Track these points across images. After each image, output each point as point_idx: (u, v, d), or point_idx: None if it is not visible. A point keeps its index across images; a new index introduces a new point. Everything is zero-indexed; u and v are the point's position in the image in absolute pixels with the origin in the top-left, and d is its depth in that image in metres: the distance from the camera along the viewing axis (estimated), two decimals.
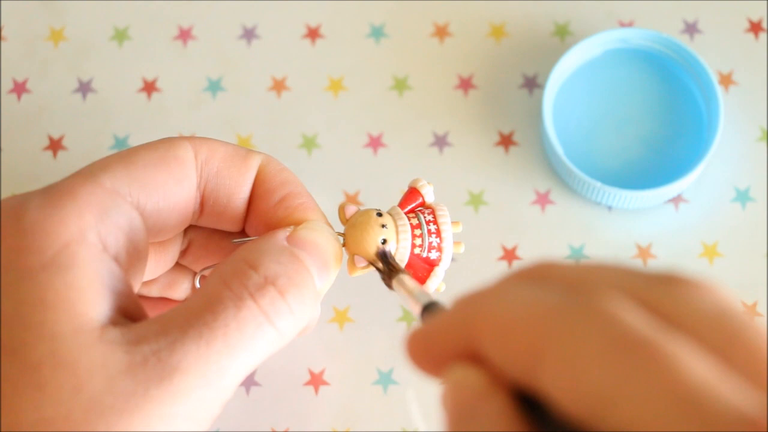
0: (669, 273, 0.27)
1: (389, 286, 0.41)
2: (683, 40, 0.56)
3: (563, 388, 0.24)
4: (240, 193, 0.42)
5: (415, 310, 0.37)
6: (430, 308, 0.36)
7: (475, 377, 0.26)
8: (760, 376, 0.24)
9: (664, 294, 0.26)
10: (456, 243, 0.44)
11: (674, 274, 0.26)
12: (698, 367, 0.24)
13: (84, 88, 0.56)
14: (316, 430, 0.50)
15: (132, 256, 0.39)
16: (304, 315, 0.39)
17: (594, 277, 0.27)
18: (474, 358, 0.27)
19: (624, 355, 0.24)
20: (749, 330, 0.25)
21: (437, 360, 0.28)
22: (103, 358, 0.35)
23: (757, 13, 0.56)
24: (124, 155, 0.40)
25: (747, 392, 0.23)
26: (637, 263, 0.52)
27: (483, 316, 0.27)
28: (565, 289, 0.26)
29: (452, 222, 0.44)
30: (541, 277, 0.28)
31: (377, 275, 0.52)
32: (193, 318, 0.37)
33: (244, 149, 0.43)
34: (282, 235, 0.40)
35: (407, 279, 0.40)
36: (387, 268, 0.41)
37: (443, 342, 0.28)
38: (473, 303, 0.27)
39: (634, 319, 0.25)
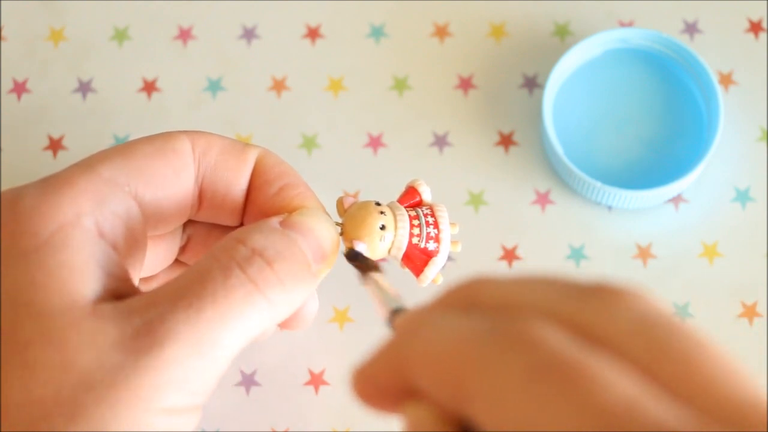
0: (596, 284, 0.26)
1: (363, 283, 0.41)
2: (683, 40, 0.56)
3: (490, 420, 0.24)
4: (238, 185, 0.42)
5: (383, 312, 0.37)
6: (398, 313, 0.35)
7: (426, 415, 0.26)
8: (686, 387, 0.23)
9: (590, 308, 0.25)
10: (453, 242, 0.44)
11: (601, 286, 0.26)
12: (620, 386, 0.23)
13: (84, 88, 0.56)
14: (316, 430, 0.50)
15: (130, 245, 0.39)
16: (296, 288, 0.39)
17: (519, 297, 0.27)
18: (417, 392, 0.27)
19: (542, 382, 0.23)
20: (676, 338, 0.24)
21: (385, 397, 0.28)
22: (92, 334, 0.35)
23: (757, 13, 0.56)
24: (122, 147, 0.41)
25: (671, 407, 0.23)
26: (637, 263, 0.52)
27: (411, 353, 0.26)
28: (488, 315, 0.26)
29: (450, 223, 0.44)
30: (469, 300, 0.27)
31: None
32: (183, 289, 0.36)
33: (242, 143, 0.43)
34: (275, 219, 0.40)
35: (380, 279, 0.40)
36: (363, 264, 0.41)
37: (385, 380, 0.28)
38: (402, 339, 0.27)
39: (555, 343, 0.24)
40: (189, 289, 0.36)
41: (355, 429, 0.50)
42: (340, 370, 0.51)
